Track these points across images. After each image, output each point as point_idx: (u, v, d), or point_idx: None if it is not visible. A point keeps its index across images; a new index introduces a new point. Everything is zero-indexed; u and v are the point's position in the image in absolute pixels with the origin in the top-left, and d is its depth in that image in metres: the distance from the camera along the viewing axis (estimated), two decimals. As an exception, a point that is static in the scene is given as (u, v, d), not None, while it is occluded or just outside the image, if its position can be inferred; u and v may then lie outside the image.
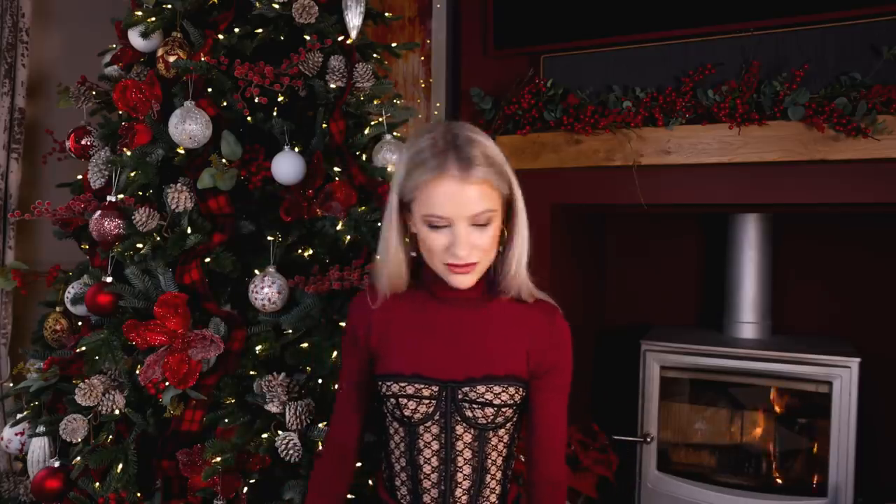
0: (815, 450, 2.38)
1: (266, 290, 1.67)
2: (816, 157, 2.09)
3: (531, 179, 2.54)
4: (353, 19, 1.86)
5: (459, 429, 1.20)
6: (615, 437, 2.53)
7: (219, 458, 1.57)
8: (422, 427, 1.20)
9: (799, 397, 2.40)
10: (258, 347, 1.68)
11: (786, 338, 2.55)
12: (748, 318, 2.55)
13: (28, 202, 2.23)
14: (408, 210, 1.16)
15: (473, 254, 1.12)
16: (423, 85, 2.97)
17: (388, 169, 1.90)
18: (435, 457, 1.21)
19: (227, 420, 1.65)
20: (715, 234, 2.81)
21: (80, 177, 2.03)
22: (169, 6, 1.83)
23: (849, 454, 2.21)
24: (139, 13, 1.85)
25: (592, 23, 2.48)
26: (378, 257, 1.25)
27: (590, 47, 2.49)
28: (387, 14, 2.08)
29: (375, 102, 1.93)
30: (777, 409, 2.46)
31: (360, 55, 1.93)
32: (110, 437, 1.70)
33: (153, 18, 1.83)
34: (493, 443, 1.22)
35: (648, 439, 2.49)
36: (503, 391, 1.19)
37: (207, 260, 1.73)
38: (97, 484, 1.68)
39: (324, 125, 1.83)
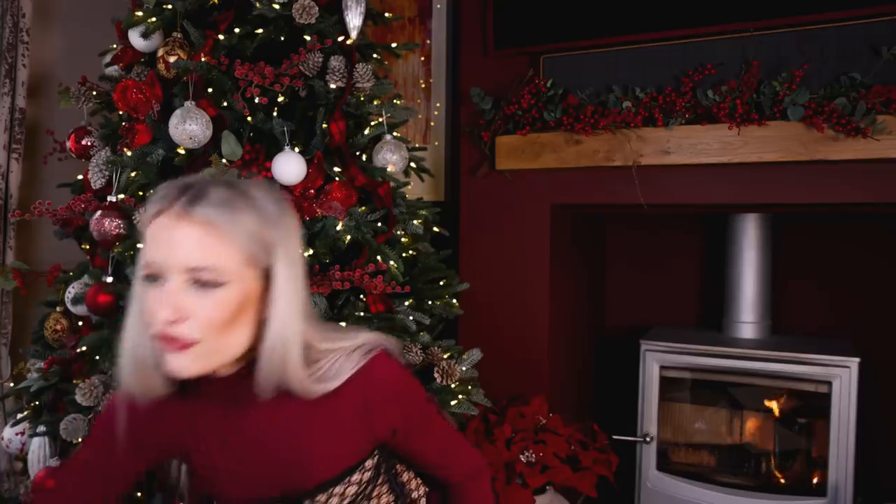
0: (814, 450, 2.38)
1: (266, 290, 1.67)
2: (816, 157, 2.09)
3: (531, 179, 2.57)
4: (353, 19, 1.86)
5: None
6: (615, 437, 2.53)
7: (219, 458, 1.57)
8: None
9: (798, 397, 2.40)
10: (258, 347, 1.68)
11: (785, 338, 2.55)
12: (748, 317, 2.55)
13: (28, 202, 2.23)
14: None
15: (187, 325, 0.83)
16: (423, 85, 2.98)
17: (389, 169, 1.90)
18: None
19: (227, 420, 1.65)
20: (715, 234, 2.82)
21: (80, 177, 2.03)
22: (169, 6, 1.83)
23: (848, 454, 2.21)
24: (139, 13, 1.85)
25: (592, 23, 2.48)
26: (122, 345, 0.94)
27: (590, 47, 2.49)
28: (387, 14, 2.08)
29: (375, 103, 1.93)
30: (777, 408, 2.46)
31: (360, 55, 1.93)
32: (111, 436, 1.70)
33: (153, 18, 1.83)
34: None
35: (648, 439, 2.49)
36: (347, 487, 0.99)
37: (208, 260, 1.73)
38: (97, 484, 1.68)
39: (324, 125, 1.83)
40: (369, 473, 1.01)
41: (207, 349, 0.86)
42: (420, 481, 1.15)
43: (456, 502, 1.13)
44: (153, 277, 0.85)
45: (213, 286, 0.84)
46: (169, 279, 0.84)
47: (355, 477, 0.99)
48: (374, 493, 1.04)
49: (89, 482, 1.02)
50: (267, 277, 0.89)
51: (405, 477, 1.12)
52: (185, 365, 0.85)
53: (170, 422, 0.99)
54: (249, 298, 0.88)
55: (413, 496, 1.11)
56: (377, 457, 1.02)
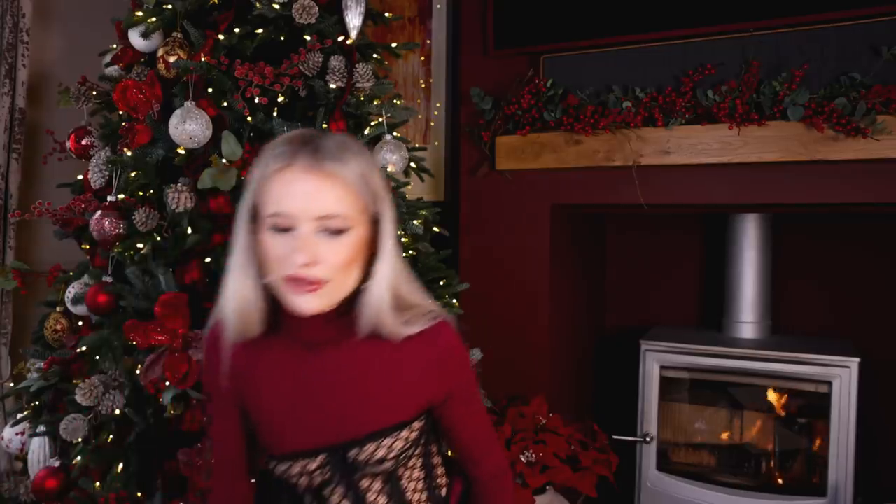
0: (814, 450, 2.38)
1: (266, 290, 1.67)
2: (816, 157, 2.09)
3: (531, 179, 2.57)
4: (353, 19, 1.86)
5: (365, 482, 1.06)
6: (615, 437, 2.53)
7: (219, 458, 1.57)
8: (326, 491, 1.06)
9: (798, 397, 2.40)
10: (258, 347, 1.68)
11: (785, 338, 2.55)
12: (748, 317, 2.55)
13: (28, 202, 2.23)
14: (258, 221, 0.97)
15: (320, 268, 0.92)
16: (423, 85, 2.98)
17: (389, 169, 1.90)
18: None
19: (227, 420, 1.65)
20: (715, 234, 2.82)
21: (80, 177, 2.03)
22: (169, 6, 1.83)
23: (848, 454, 2.21)
24: (139, 13, 1.85)
25: (592, 23, 2.48)
26: (223, 287, 1.02)
27: (590, 47, 2.49)
28: (387, 14, 2.08)
29: (375, 103, 1.93)
30: (776, 408, 2.46)
31: (360, 55, 1.93)
32: (110, 437, 1.70)
33: (153, 18, 1.83)
34: (407, 475, 1.10)
35: (648, 439, 2.49)
36: (395, 441, 1.04)
37: (207, 260, 1.73)
38: (97, 484, 1.69)
39: (324, 125, 1.83)
40: (415, 434, 1.06)
41: (332, 288, 0.95)
42: (444, 470, 1.18)
43: (480, 502, 1.17)
44: (281, 227, 0.92)
45: (340, 232, 0.93)
46: (300, 227, 0.92)
47: (404, 433, 1.04)
48: (410, 464, 1.09)
49: (232, 462, 1.11)
50: (374, 223, 0.99)
51: (435, 460, 1.16)
52: (317, 303, 0.95)
53: (245, 365, 1.05)
54: (364, 242, 0.98)
55: (438, 481, 1.15)
56: (424, 422, 1.08)
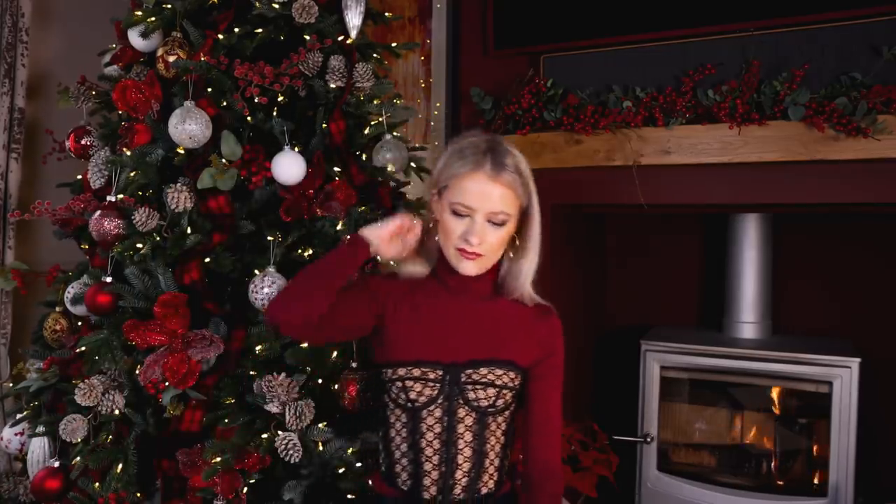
0: (815, 450, 2.38)
1: (266, 290, 1.67)
2: (816, 157, 2.09)
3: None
4: (353, 19, 1.86)
5: (461, 412, 1.27)
6: (615, 437, 2.53)
7: (219, 458, 1.57)
8: (425, 411, 1.27)
9: (799, 397, 2.40)
10: (258, 347, 1.68)
11: (786, 338, 2.55)
12: (748, 317, 2.55)
13: (28, 202, 2.23)
14: (438, 197, 1.30)
15: (483, 246, 1.25)
16: (423, 85, 2.97)
17: (388, 169, 1.89)
18: (437, 439, 1.27)
19: (227, 420, 1.65)
20: (715, 234, 2.81)
21: (80, 177, 2.03)
22: (169, 6, 1.83)
23: (849, 454, 2.21)
24: (139, 13, 1.85)
25: (592, 23, 2.48)
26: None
27: (590, 47, 2.49)
28: (387, 14, 2.08)
29: (375, 102, 1.93)
30: (777, 409, 2.46)
31: (360, 55, 1.93)
32: (110, 437, 1.70)
33: (153, 18, 1.83)
34: (492, 428, 1.29)
35: (648, 439, 2.49)
36: (504, 374, 1.28)
37: (207, 260, 1.73)
38: (97, 484, 1.68)
39: (324, 125, 1.83)
40: (517, 383, 1.30)
41: (486, 261, 1.28)
42: (512, 457, 1.38)
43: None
44: (462, 214, 1.24)
45: (502, 224, 1.25)
46: (476, 217, 1.24)
47: (511, 374, 1.29)
48: (499, 420, 1.30)
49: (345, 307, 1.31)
50: (522, 214, 1.29)
51: (514, 436, 1.36)
52: (476, 267, 1.27)
53: (401, 292, 1.34)
54: (513, 229, 1.29)
55: (509, 455, 1.35)
56: (520, 384, 1.31)
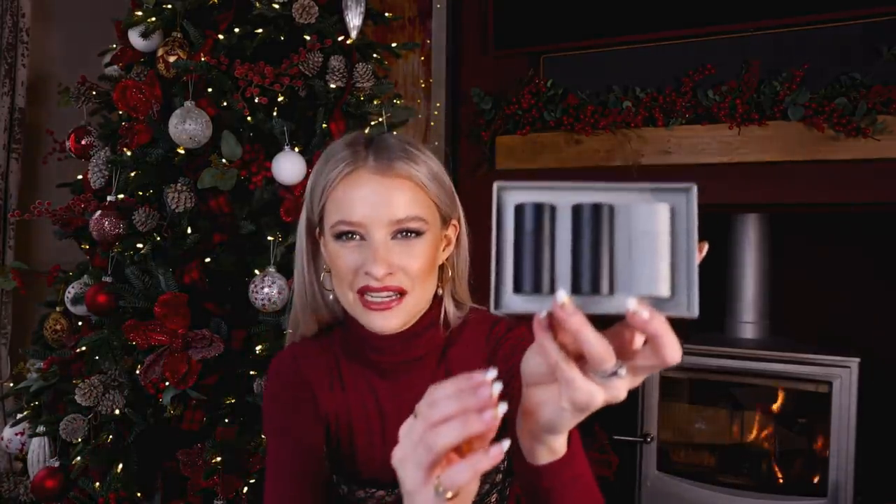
0: (814, 450, 2.38)
1: (266, 290, 1.67)
2: (816, 157, 2.09)
3: (531, 180, 2.55)
4: (353, 19, 1.86)
5: None
6: (615, 437, 2.52)
7: (219, 458, 1.57)
8: None
9: (799, 397, 2.40)
10: (258, 347, 1.68)
11: (786, 338, 2.55)
12: (748, 317, 2.55)
13: (28, 202, 2.22)
14: (321, 231, 0.90)
15: (396, 277, 0.84)
16: (423, 85, 2.97)
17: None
18: None
19: (227, 420, 1.65)
20: (715, 234, 2.81)
21: (80, 177, 2.03)
22: (169, 6, 1.83)
23: (849, 454, 2.21)
24: (139, 13, 1.85)
25: (592, 23, 2.48)
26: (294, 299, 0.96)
27: (590, 47, 2.49)
28: (387, 14, 2.08)
29: (375, 102, 1.93)
30: (777, 409, 2.46)
31: (360, 55, 1.93)
32: (110, 437, 1.70)
33: (153, 18, 1.83)
34: None
35: (648, 439, 2.49)
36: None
37: (207, 260, 1.73)
38: (97, 484, 1.68)
39: (324, 125, 1.83)
40: (497, 469, 0.95)
41: (413, 302, 0.86)
42: None
43: None
44: (351, 234, 0.85)
45: (417, 235, 0.85)
46: (373, 234, 0.84)
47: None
48: (493, 495, 0.98)
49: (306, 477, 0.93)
50: (444, 225, 0.91)
51: (508, 493, 1.05)
52: (395, 320, 0.85)
53: (327, 385, 0.95)
54: (439, 246, 0.90)
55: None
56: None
